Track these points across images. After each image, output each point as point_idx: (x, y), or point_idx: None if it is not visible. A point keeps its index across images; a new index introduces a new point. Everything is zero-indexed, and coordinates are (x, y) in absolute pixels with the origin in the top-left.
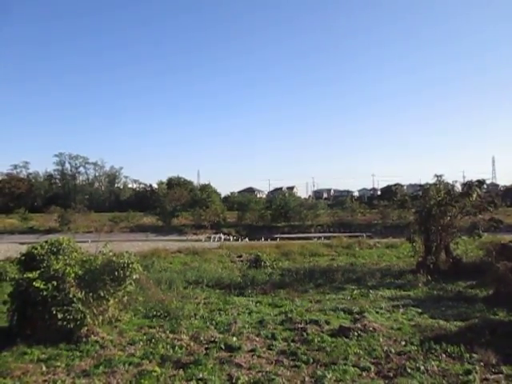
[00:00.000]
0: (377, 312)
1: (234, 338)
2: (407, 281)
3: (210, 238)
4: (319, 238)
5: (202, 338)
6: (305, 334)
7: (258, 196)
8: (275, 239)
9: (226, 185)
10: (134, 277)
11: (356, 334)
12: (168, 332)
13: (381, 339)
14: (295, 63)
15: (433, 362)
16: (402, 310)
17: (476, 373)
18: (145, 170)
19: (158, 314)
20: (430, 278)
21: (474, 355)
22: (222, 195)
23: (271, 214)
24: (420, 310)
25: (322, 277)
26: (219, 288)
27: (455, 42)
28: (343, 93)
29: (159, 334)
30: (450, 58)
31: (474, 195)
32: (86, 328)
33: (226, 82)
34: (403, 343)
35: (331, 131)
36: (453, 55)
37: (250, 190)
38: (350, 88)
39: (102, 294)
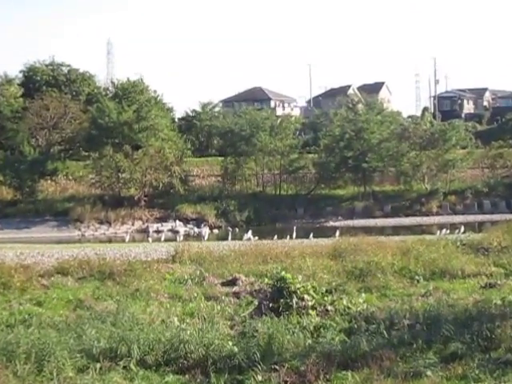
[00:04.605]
0: None
1: None
2: None
3: (147, 232)
4: (452, 227)
5: None
6: None
7: (279, 113)
8: (330, 232)
9: (190, 85)
10: None
11: None
12: None
13: None
14: None
15: None
16: None
17: None
18: None
19: None
20: None
21: None
22: (179, 114)
23: (319, 165)
24: None
25: (462, 334)
26: (175, 371)
27: None
28: None
29: None
30: None
31: None
32: None
33: None
34: None
35: None
36: None
37: (257, 98)
38: None
39: None
